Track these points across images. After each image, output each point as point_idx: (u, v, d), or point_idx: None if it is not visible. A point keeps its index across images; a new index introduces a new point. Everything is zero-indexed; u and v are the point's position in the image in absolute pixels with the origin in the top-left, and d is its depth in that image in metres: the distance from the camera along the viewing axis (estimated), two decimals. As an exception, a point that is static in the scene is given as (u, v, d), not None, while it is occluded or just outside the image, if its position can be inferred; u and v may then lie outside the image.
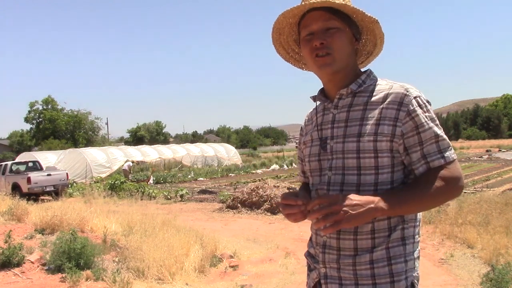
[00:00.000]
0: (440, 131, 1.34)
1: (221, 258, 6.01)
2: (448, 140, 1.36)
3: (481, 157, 28.82)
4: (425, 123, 1.32)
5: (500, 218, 6.74)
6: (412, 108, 1.32)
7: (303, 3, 1.38)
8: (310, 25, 1.38)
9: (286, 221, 9.40)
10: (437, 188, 1.29)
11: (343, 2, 1.35)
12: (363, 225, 1.34)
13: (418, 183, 1.32)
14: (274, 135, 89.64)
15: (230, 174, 24.87)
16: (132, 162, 24.28)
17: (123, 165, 23.33)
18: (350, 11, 1.37)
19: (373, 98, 1.38)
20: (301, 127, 1.64)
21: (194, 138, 78.60)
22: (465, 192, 11.10)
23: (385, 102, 1.35)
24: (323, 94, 1.50)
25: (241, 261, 6.11)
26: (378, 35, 1.44)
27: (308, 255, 1.53)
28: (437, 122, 1.36)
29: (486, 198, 8.14)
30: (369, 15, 1.37)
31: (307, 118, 1.61)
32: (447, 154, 1.33)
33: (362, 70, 1.48)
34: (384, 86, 1.40)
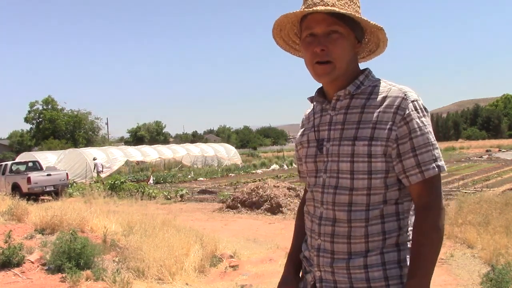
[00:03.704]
0: (433, 139, 1.31)
1: (221, 258, 6.01)
2: (439, 149, 1.33)
3: (481, 157, 28.83)
4: (418, 129, 1.29)
5: (500, 218, 6.73)
6: (407, 112, 1.29)
7: (304, 9, 1.34)
8: (313, 28, 1.34)
9: (286, 221, 9.41)
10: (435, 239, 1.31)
11: (349, 12, 1.31)
12: (356, 229, 1.33)
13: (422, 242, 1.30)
14: (274, 135, 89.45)
15: (230, 174, 24.85)
16: (94, 158, 21.94)
17: (96, 164, 21.11)
18: (355, 18, 1.34)
19: (371, 101, 1.34)
20: (300, 126, 1.61)
21: (194, 138, 78.48)
22: (465, 192, 11.12)
23: (383, 106, 1.32)
24: (321, 94, 1.46)
25: (241, 261, 6.11)
26: (381, 39, 1.41)
27: (303, 257, 1.51)
28: (431, 129, 1.33)
29: (486, 198, 8.13)
30: (373, 23, 1.34)
31: (304, 117, 1.57)
32: (439, 163, 1.30)
33: (361, 69, 1.44)
34: (383, 88, 1.36)
